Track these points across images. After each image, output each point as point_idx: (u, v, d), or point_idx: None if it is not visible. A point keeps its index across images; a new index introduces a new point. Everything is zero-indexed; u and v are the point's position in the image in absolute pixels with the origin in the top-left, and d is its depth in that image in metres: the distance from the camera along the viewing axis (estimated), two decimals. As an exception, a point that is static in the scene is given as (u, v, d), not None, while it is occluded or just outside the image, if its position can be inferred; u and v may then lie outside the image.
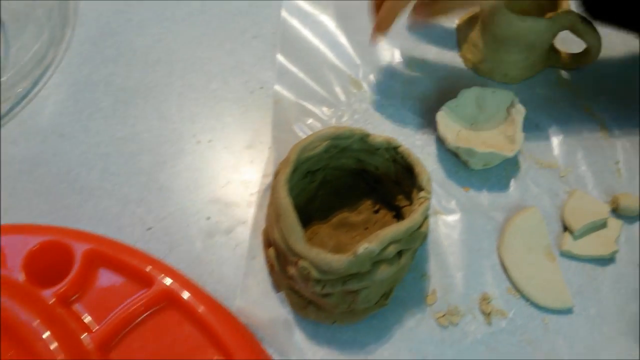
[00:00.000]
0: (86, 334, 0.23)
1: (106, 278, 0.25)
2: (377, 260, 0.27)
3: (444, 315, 0.30)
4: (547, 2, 0.39)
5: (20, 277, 0.24)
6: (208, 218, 0.33)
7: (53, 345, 0.22)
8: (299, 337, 0.29)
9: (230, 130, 0.37)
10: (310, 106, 0.38)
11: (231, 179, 0.34)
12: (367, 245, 0.25)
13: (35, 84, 0.38)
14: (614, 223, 0.33)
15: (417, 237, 0.28)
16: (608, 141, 0.37)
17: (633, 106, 0.39)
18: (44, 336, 0.22)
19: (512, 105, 0.35)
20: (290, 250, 0.27)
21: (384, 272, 0.27)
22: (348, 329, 0.29)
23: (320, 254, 0.26)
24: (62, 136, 0.36)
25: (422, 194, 0.28)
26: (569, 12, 0.37)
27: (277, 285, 0.30)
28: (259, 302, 0.30)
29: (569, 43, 0.40)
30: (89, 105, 0.37)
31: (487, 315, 0.30)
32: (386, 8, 0.33)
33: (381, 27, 0.34)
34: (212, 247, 0.32)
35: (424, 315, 0.30)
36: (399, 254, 0.27)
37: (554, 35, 0.38)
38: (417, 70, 0.40)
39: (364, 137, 0.30)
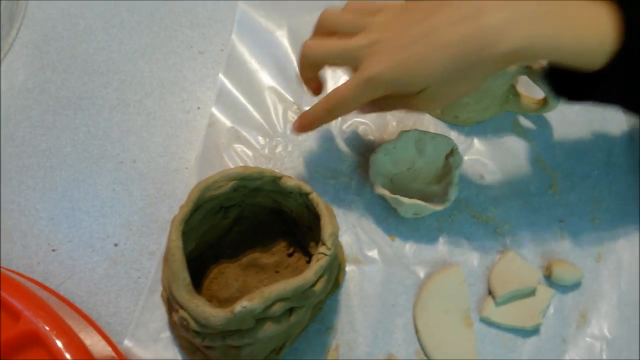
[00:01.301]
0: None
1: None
2: (261, 318, 0.25)
3: (341, 376, 0.28)
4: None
5: None
6: (116, 244, 0.32)
7: None
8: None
9: (158, 152, 0.35)
10: (245, 133, 0.36)
11: (148, 204, 0.33)
12: (246, 304, 0.24)
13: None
14: (545, 292, 0.31)
15: (310, 295, 0.26)
16: (556, 199, 0.35)
17: (589, 162, 0.36)
18: None
19: (451, 153, 0.33)
20: (174, 297, 0.26)
21: (268, 330, 0.25)
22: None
23: (199, 307, 0.24)
24: (-17, 143, 0.35)
25: (321, 249, 0.26)
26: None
27: (172, 328, 0.29)
28: (149, 342, 0.28)
29: (533, 86, 0.37)
30: (19, 112, 0.36)
31: (392, 378, 0.28)
32: (321, 108, 0.29)
33: (307, 126, 0.31)
34: (115, 276, 0.31)
35: (322, 372, 0.29)
36: (290, 311, 0.26)
37: (509, 80, 0.35)
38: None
39: (275, 180, 0.29)
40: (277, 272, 0.31)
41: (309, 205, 0.29)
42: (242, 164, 0.35)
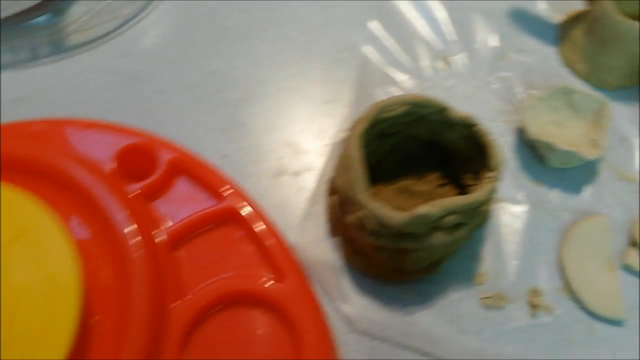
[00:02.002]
0: (162, 228, 0.25)
1: (184, 186, 0.27)
2: (434, 226, 0.27)
3: (489, 297, 0.30)
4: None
5: (110, 167, 0.27)
6: (280, 158, 0.34)
7: (136, 239, 0.24)
8: (345, 283, 0.30)
9: (314, 83, 0.38)
10: (394, 74, 0.38)
11: (307, 128, 0.36)
12: (427, 209, 0.26)
13: (142, 10, 0.41)
14: (688, 248, 0.32)
15: (477, 215, 0.28)
16: (700, 166, 0.35)
17: None
18: (129, 229, 0.24)
19: (602, 110, 0.34)
20: (353, 199, 0.28)
21: (438, 239, 0.27)
22: (394, 286, 0.30)
23: (381, 208, 0.27)
24: (159, 59, 0.38)
25: (490, 174, 0.28)
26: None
27: (334, 233, 0.31)
28: (314, 243, 0.31)
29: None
30: (188, 37, 0.40)
31: (534, 307, 0.30)
32: None
33: None
34: (279, 185, 0.33)
35: (469, 293, 0.30)
36: (457, 226, 0.28)
37: (666, 46, 0.36)
38: (511, 58, 0.39)
39: (442, 110, 0.31)
40: (427, 199, 0.33)
41: (471, 138, 0.31)
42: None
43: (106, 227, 0.24)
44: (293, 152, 0.35)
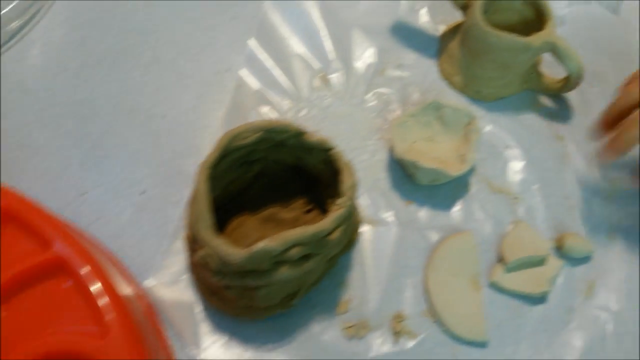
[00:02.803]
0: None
1: (12, 235, 0.26)
2: (278, 261, 0.26)
3: (351, 327, 0.29)
4: (534, 22, 0.37)
5: None
6: (142, 192, 0.33)
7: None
8: (201, 324, 0.29)
9: (187, 109, 0.37)
10: (271, 96, 0.37)
11: (175, 157, 0.35)
12: (265, 244, 0.25)
13: (11, 37, 0.39)
14: (554, 262, 0.32)
15: (326, 244, 0.27)
16: (572, 176, 0.35)
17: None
18: None
19: (470, 124, 0.34)
20: (197, 236, 0.27)
21: (284, 273, 0.26)
22: (251, 324, 0.29)
23: (220, 245, 0.26)
24: (26, 92, 0.37)
25: (339, 201, 0.27)
26: (550, 34, 0.35)
27: (191, 270, 0.30)
28: (170, 284, 0.30)
29: (555, 67, 0.38)
30: (58, 64, 0.38)
31: (396, 334, 0.29)
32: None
33: (616, 150, 0.30)
34: (139, 221, 0.32)
35: (331, 323, 0.30)
36: (305, 257, 0.27)
37: (533, 56, 0.36)
38: (390, 74, 0.39)
39: (299, 134, 0.30)
40: (294, 227, 0.32)
41: (330, 161, 0.30)
42: (266, 125, 0.36)
43: None
44: (158, 184, 0.34)
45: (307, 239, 0.26)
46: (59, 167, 0.34)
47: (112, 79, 0.37)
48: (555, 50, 0.35)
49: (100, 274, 0.25)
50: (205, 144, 0.35)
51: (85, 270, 0.25)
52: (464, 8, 0.38)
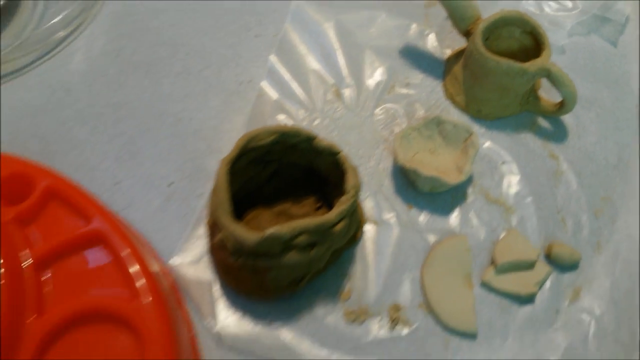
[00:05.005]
0: (30, 251, 0.27)
1: (56, 211, 0.29)
2: (287, 246, 0.29)
3: (352, 312, 0.32)
4: (533, 50, 0.40)
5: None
6: (170, 184, 0.37)
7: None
8: (216, 300, 0.32)
9: (212, 114, 0.40)
10: (288, 106, 0.41)
11: (199, 156, 0.38)
12: (275, 230, 0.28)
13: (57, 44, 0.43)
14: (542, 267, 0.34)
15: (331, 235, 0.30)
16: (564, 192, 0.38)
17: (599, 163, 0.40)
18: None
19: (469, 139, 0.37)
20: (217, 220, 0.30)
21: (292, 258, 0.29)
22: (262, 303, 0.32)
23: (237, 229, 0.29)
24: (69, 93, 0.41)
25: (343, 197, 0.31)
26: (545, 61, 0.38)
27: (210, 253, 0.34)
28: (191, 264, 0.33)
29: (553, 92, 0.41)
30: (97, 70, 0.42)
31: (393, 321, 0.32)
32: None
33: None
34: (166, 209, 0.36)
35: (334, 308, 0.32)
36: (311, 245, 0.30)
37: (530, 81, 0.39)
38: (398, 91, 0.42)
39: (310, 139, 0.33)
40: (304, 222, 0.35)
41: (337, 164, 0.33)
42: (283, 131, 0.39)
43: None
44: (184, 178, 0.37)
45: (313, 229, 0.29)
46: (96, 159, 0.37)
47: (146, 85, 0.41)
48: (550, 76, 0.38)
49: (132, 247, 0.29)
50: (227, 145, 0.38)
51: (119, 243, 0.28)
52: (467, 34, 0.41)
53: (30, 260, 0.27)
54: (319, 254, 0.30)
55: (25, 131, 0.38)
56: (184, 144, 0.39)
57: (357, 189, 0.31)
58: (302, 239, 0.29)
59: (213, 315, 0.31)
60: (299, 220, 0.29)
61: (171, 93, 0.41)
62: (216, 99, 0.41)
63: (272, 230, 0.28)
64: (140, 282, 0.27)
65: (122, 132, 0.39)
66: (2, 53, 0.41)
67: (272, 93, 0.41)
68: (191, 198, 0.36)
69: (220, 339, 0.31)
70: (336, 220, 0.30)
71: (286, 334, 0.31)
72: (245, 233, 0.29)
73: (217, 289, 0.33)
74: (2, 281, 0.25)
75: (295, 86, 0.42)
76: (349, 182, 0.31)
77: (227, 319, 0.31)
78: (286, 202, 0.36)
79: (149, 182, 0.37)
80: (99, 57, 0.43)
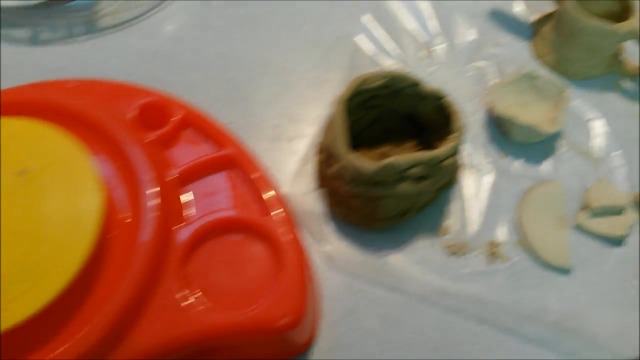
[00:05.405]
0: (172, 169, 0.30)
1: (192, 137, 0.32)
2: (401, 177, 0.32)
3: (452, 246, 0.34)
4: (621, 15, 0.42)
5: (130, 118, 0.32)
6: (276, 126, 0.40)
7: (148, 173, 0.29)
8: (327, 228, 0.35)
9: (311, 65, 0.43)
10: (381, 61, 0.43)
11: (301, 102, 0.41)
12: (393, 159, 0.31)
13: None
14: (632, 213, 0.36)
15: (439, 169, 0.32)
16: (650, 147, 0.40)
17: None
18: (143, 164, 0.29)
19: (561, 93, 0.39)
20: (335, 153, 0.33)
21: (404, 188, 0.32)
22: (369, 233, 0.35)
23: (356, 159, 0.32)
24: (179, 41, 0.44)
25: (452, 135, 0.33)
26: (633, 24, 0.39)
27: (320, 186, 0.36)
28: (302, 195, 0.36)
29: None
30: (205, 23, 0.45)
31: (491, 255, 0.34)
32: None
33: None
34: (274, 149, 0.38)
35: (435, 241, 0.35)
36: (422, 178, 0.32)
37: (618, 42, 0.40)
38: (487, 51, 0.44)
39: (415, 84, 0.36)
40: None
41: (441, 108, 0.35)
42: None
43: (125, 163, 0.29)
44: (288, 121, 0.40)
45: (427, 161, 0.32)
46: (208, 101, 0.40)
47: (249, 38, 0.44)
48: (637, 38, 0.39)
49: (261, 170, 0.31)
50: (326, 94, 0.41)
51: (249, 166, 0.31)
52: (559, -5, 0.43)
53: (175, 174, 0.30)
54: (427, 187, 0.33)
55: (142, 76, 0.42)
56: (287, 92, 0.42)
57: (462, 130, 0.34)
58: (415, 171, 0.32)
59: (324, 240, 0.34)
60: (413, 153, 0.32)
61: (274, 45, 0.44)
62: (316, 53, 0.44)
63: (390, 159, 0.31)
64: (271, 199, 0.30)
65: (230, 78, 0.42)
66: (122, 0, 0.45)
67: (367, 49, 0.44)
68: (296, 140, 0.39)
69: (331, 262, 0.34)
70: (446, 155, 0.32)
71: (392, 261, 0.34)
72: (365, 162, 0.31)
73: (327, 219, 0.35)
74: (156, 188, 0.29)
75: (388, 43, 0.44)
76: (456, 122, 0.33)
77: (338, 244, 0.34)
78: (387, 145, 0.38)
79: (257, 123, 0.40)
80: (204, 10, 0.46)
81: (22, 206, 0.27)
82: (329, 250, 0.34)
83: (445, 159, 0.33)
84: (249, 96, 0.41)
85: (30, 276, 0.25)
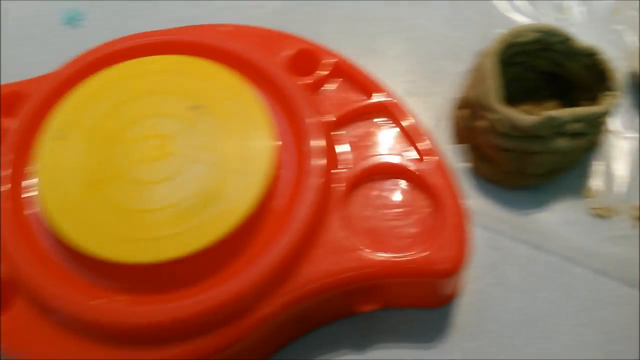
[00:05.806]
0: (327, 112, 0.31)
1: (344, 85, 0.33)
2: (559, 132, 0.31)
3: (598, 208, 0.34)
4: None
5: (285, 63, 0.33)
6: (411, 82, 0.39)
7: (310, 115, 0.29)
8: (470, 185, 0.35)
9: (442, 21, 0.42)
10: (516, 17, 0.42)
11: (433, 58, 0.41)
12: (557, 113, 0.30)
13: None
14: None
15: (597, 126, 0.32)
16: None
17: None
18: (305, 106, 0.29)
19: None
20: (487, 106, 0.32)
21: (561, 143, 0.31)
22: (512, 191, 0.34)
23: (512, 112, 0.31)
24: None
25: (610, 93, 0.32)
26: None
27: (461, 142, 0.36)
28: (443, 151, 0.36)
29: None
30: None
31: (637, 219, 0.33)
32: None
33: None
34: (409, 103, 0.38)
35: (580, 202, 0.34)
36: (580, 135, 0.31)
37: None
38: (626, 13, 0.42)
39: (567, 40, 0.34)
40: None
41: (593, 66, 0.34)
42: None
43: (287, 105, 0.30)
44: (419, 77, 0.40)
45: (588, 117, 0.31)
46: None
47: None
48: None
49: (412, 118, 0.31)
50: (461, 50, 0.40)
51: (401, 114, 0.31)
52: None
53: (332, 118, 0.31)
54: (583, 144, 0.32)
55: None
56: (418, 47, 0.41)
57: (619, 89, 0.32)
58: (574, 126, 0.31)
59: (467, 195, 0.34)
60: (574, 108, 0.31)
61: (400, 3, 0.44)
62: (447, 9, 0.43)
63: (551, 112, 0.30)
64: (425, 146, 0.30)
65: (359, 33, 0.42)
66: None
67: (501, 6, 0.42)
68: (429, 95, 0.39)
69: (474, 215, 0.33)
70: (605, 112, 0.31)
71: (536, 219, 0.33)
72: (522, 115, 0.31)
73: (467, 175, 0.35)
74: (320, 131, 0.29)
75: (523, 2, 0.43)
76: (613, 81, 0.32)
77: (480, 200, 0.34)
78: (527, 103, 0.37)
79: (390, 76, 0.38)
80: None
81: (199, 138, 0.28)
82: (470, 204, 0.34)
83: (603, 115, 0.31)
84: (379, 51, 0.41)
85: (214, 203, 0.26)
